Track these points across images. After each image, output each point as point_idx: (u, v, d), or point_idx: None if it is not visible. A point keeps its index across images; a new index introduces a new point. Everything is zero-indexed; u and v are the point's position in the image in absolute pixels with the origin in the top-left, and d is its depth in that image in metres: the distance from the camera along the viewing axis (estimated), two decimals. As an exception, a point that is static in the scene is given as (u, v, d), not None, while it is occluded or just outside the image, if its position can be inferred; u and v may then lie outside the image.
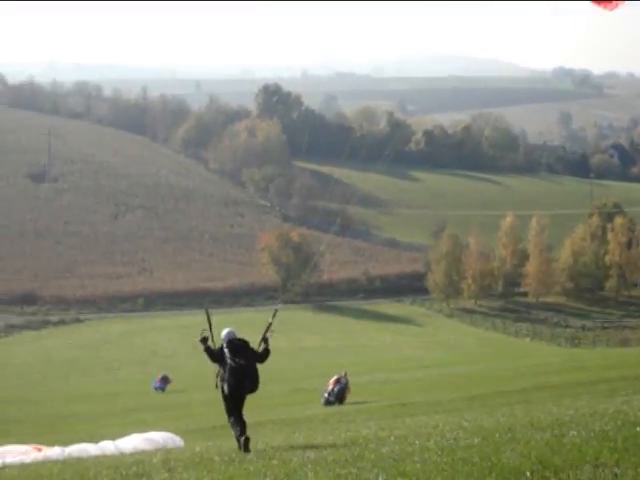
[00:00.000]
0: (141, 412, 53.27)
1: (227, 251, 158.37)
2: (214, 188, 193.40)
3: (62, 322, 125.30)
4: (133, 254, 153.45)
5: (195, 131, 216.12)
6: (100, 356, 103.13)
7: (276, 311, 20.05)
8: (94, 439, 24.43)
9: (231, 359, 18.09)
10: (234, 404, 18.09)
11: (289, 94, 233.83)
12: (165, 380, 66.72)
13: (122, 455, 19.86)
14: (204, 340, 18.61)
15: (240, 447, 17.48)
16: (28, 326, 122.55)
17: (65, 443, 30.53)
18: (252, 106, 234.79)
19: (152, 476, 13.56)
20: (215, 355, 18.34)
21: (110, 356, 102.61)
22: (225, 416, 18.35)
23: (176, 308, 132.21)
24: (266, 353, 18.97)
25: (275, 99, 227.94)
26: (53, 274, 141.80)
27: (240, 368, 17.97)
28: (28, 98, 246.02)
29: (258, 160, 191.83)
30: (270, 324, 19.71)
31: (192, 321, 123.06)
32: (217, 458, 15.47)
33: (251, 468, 13.44)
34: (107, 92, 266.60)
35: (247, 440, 17.48)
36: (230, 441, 21.67)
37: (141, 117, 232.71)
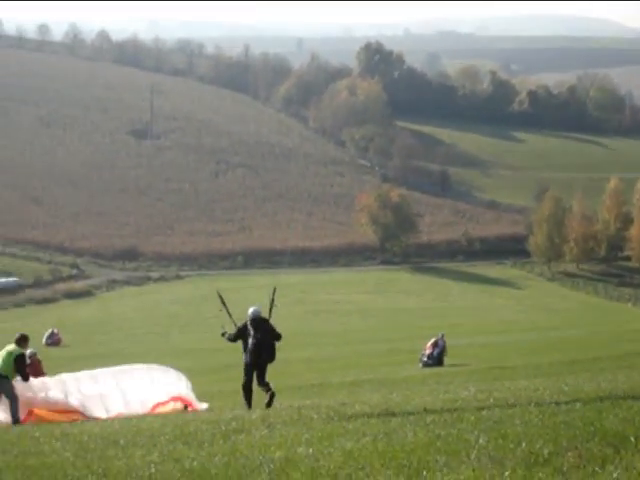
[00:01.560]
0: (237, 369, 53.67)
1: (326, 211, 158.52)
2: (314, 147, 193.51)
3: (163, 278, 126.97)
4: (233, 212, 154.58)
5: (296, 89, 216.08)
6: (200, 312, 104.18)
7: (274, 290, 22.38)
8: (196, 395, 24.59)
9: (253, 335, 20.83)
10: (253, 371, 21.20)
11: (391, 53, 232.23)
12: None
13: (221, 411, 19.93)
14: (223, 335, 22.52)
15: (249, 407, 20.89)
16: (129, 282, 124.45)
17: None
18: (353, 65, 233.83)
19: (252, 432, 13.52)
20: (237, 334, 21.64)
21: (209, 313, 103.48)
22: (244, 381, 21.50)
23: (275, 266, 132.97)
24: (279, 336, 21.25)
25: (377, 58, 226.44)
26: (154, 231, 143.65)
27: (260, 343, 20.76)
28: (131, 55, 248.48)
29: (358, 119, 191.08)
30: (272, 300, 22.16)
31: (291, 279, 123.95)
32: (315, 416, 15.38)
33: (349, 426, 13.31)
34: (209, 50, 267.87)
35: (271, 399, 20.76)
36: (328, 399, 21.60)
37: (243, 75, 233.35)
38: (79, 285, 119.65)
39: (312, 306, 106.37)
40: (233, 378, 45.27)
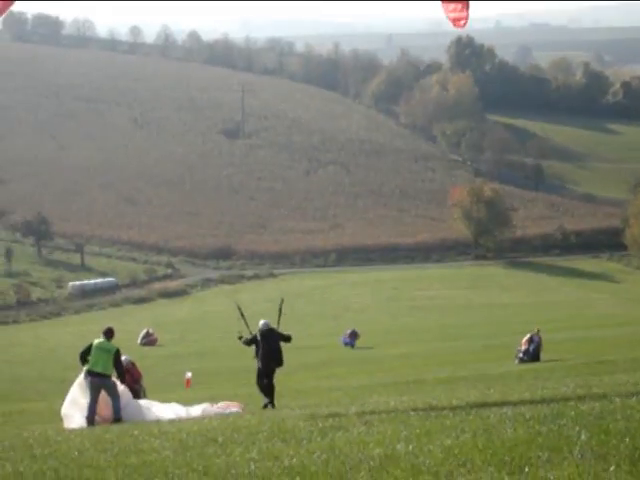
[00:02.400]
0: (334, 366, 53.83)
1: (418, 206, 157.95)
2: (405, 143, 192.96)
3: (256, 277, 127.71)
4: (325, 210, 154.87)
5: (386, 85, 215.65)
6: (293, 310, 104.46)
7: (282, 301, 25.81)
8: (288, 392, 24.73)
9: (262, 346, 24.30)
10: (265, 375, 24.52)
11: (482, 46, 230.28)
12: (354, 335, 67.03)
13: (318, 407, 19.94)
14: (240, 338, 25.05)
15: (265, 406, 24.03)
16: (223, 280, 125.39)
17: (252, 396, 31.07)
18: (444, 59, 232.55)
19: (349, 429, 13.49)
20: (251, 341, 24.67)
21: (303, 310, 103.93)
22: (258, 380, 24.80)
23: (367, 263, 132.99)
24: (289, 338, 24.84)
25: (467, 52, 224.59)
26: (247, 229, 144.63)
27: (267, 352, 24.23)
28: (222, 55, 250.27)
29: (450, 114, 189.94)
30: (280, 309, 25.26)
31: (384, 276, 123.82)
32: (412, 412, 15.29)
33: (448, 423, 13.20)
34: (299, 48, 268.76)
35: (272, 405, 24.11)
36: (424, 396, 21.51)
37: (332, 72, 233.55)
38: (174, 284, 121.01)
39: (405, 302, 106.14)
40: (328, 375, 45.44)
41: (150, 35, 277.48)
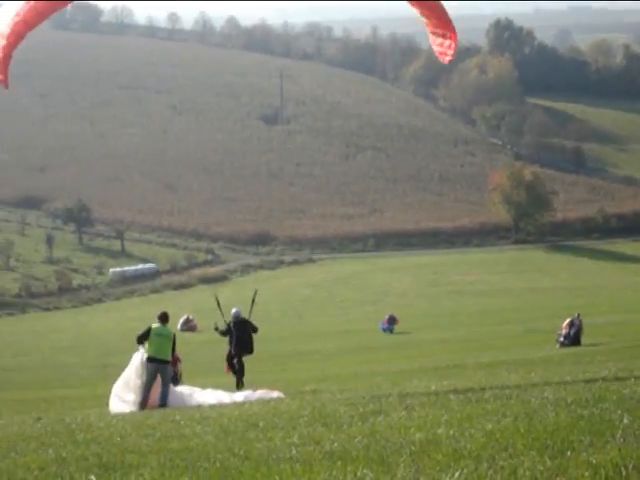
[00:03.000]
0: (372, 351, 53.87)
1: (457, 191, 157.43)
2: (444, 127, 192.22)
3: (295, 262, 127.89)
4: (363, 194, 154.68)
5: (425, 69, 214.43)
6: (333, 295, 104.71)
7: (255, 293, 27.99)
8: (328, 377, 24.74)
9: (235, 334, 26.08)
10: (234, 359, 26.38)
11: (521, 29, 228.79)
12: (392, 320, 66.91)
13: (358, 391, 19.95)
14: (216, 329, 26.84)
15: (237, 386, 25.60)
16: (263, 266, 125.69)
17: (291, 382, 31.18)
18: (482, 42, 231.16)
19: (390, 413, 13.47)
20: (226, 331, 26.28)
21: (342, 296, 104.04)
22: (228, 360, 26.72)
23: (406, 248, 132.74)
24: (256, 329, 26.47)
25: (506, 35, 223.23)
26: (286, 215, 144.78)
27: (238, 340, 25.90)
28: (260, 41, 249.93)
29: (489, 97, 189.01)
30: (253, 301, 27.44)
31: (423, 261, 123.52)
32: (453, 397, 15.26)
33: (489, 407, 13.15)
34: (337, 33, 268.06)
35: (242, 384, 25.84)
36: (464, 380, 21.45)
37: (371, 57, 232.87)
38: (214, 270, 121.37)
39: (445, 287, 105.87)
40: (368, 360, 45.46)
41: (188, 22, 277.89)
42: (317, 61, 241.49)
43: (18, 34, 16.43)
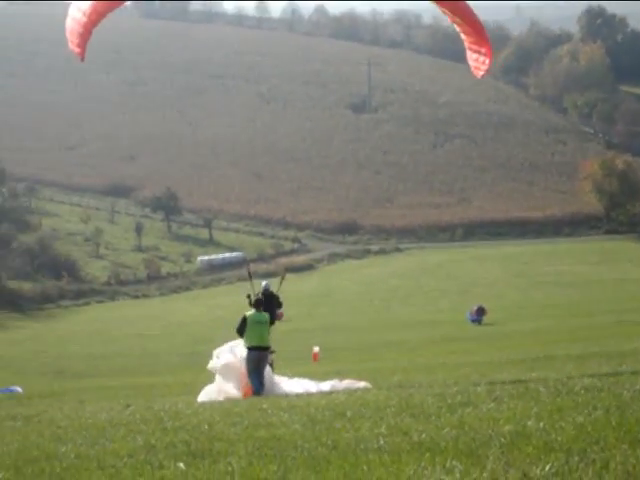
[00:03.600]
0: (461, 341, 53.59)
1: (548, 180, 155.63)
2: (534, 115, 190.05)
3: (382, 251, 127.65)
4: (452, 184, 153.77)
5: (515, 57, 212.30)
6: (420, 285, 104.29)
7: (282, 278, 29.80)
8: (416, 367, 24.58)
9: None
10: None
11: (613, 16, 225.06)
12: (481, 311, 66.42)
13: (446, 382, 19.80)
14: (248, 297, 25.66)
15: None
16: (349, 255, 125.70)
17: (378, 371, 31.08)
18: (574, 30, 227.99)
19: (478, 405, 13.32)
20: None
21: (430, 285, 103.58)
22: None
23: (495, 238, 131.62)
24: (281, 304, 27.94)
25: (599, 22, 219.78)
26: (373, 204, 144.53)
27: (266, 310, 24.48)
28: (348, 29, 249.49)
29: (580, 85, 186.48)
30: (282, 278, 29.51)
31: (513, 251, 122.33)
32: (542, 389, 15.02)
33: (579, 399, 12.93)
34: (426, 20, 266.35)
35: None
36: (554, 372, 21.15)
37: (460, 44, 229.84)
38: (301, 259, 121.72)
39: (535, 278, 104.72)
40: (455, 351, 45.18)
41: (276, 10, 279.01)
42: (405, 49, 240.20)
43: (99, 13, 16.73)
